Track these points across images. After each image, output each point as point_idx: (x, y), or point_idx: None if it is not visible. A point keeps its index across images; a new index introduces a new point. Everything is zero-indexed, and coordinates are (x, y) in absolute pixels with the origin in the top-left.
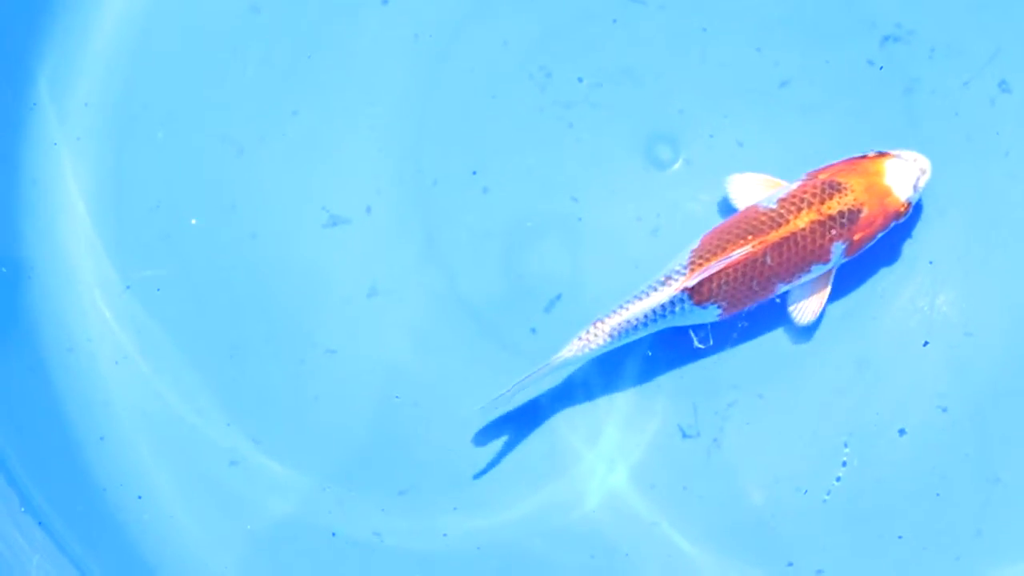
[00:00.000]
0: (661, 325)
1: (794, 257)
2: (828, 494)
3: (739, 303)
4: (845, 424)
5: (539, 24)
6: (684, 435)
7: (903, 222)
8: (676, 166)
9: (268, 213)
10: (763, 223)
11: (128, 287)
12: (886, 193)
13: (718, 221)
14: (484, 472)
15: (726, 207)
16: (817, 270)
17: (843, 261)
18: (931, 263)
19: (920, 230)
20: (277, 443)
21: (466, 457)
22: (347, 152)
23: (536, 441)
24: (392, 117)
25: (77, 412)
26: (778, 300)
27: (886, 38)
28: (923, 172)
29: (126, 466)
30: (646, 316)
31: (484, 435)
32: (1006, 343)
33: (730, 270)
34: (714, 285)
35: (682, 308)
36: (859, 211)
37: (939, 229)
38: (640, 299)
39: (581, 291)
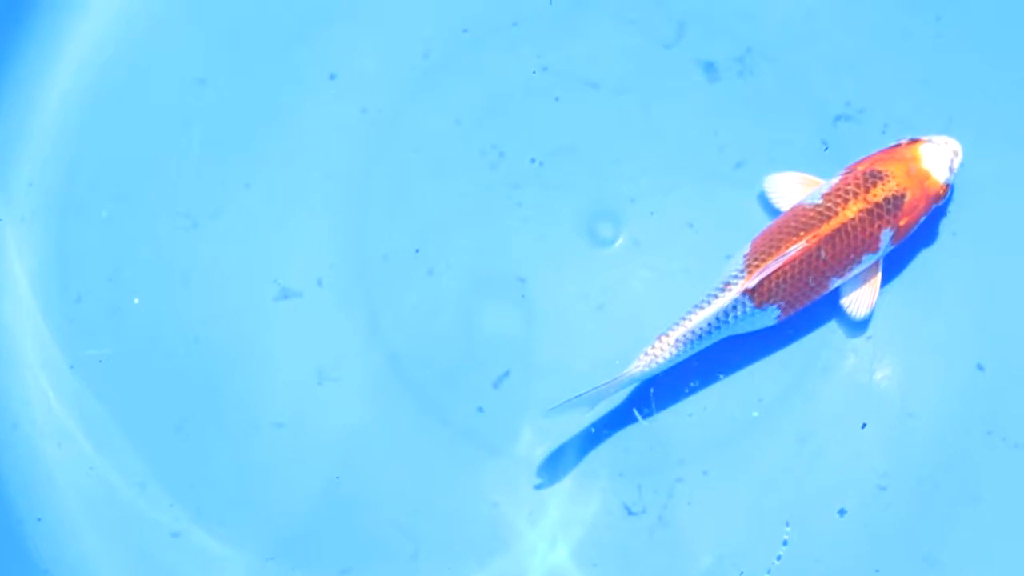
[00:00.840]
0: (724, 333)
1: (846, 248)
2: (768, 572)
3: (796, 302)
4: (786, 502)
5: (487, 100)
6: (629, 512)
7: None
8: (619, 243)
9: (220, 286)
10: (812, 218)
11: (72, 367)
12: (925, 176)
13: (663, 296)
14: (426, 550)
15: (767, 207)
16: (867, 260)
17: (891, 249)
18: (870, 338)
19: None
20: (221, 519)
21: (408, 535)
22: (299, 225)
23: (479, 518)
24: (341, 191)
25: (17, 492)
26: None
27: (838, 117)
28: (956, 154)
29: (66, 546)
30: (709, 324)
31: (427, 512)
32: (944, 420)
33: (787, 268)
34: (772, 285)
35: (743, 312)
36: (903, 196)
37: (878, 304)
38: (702, 308)
39: (529, 367)
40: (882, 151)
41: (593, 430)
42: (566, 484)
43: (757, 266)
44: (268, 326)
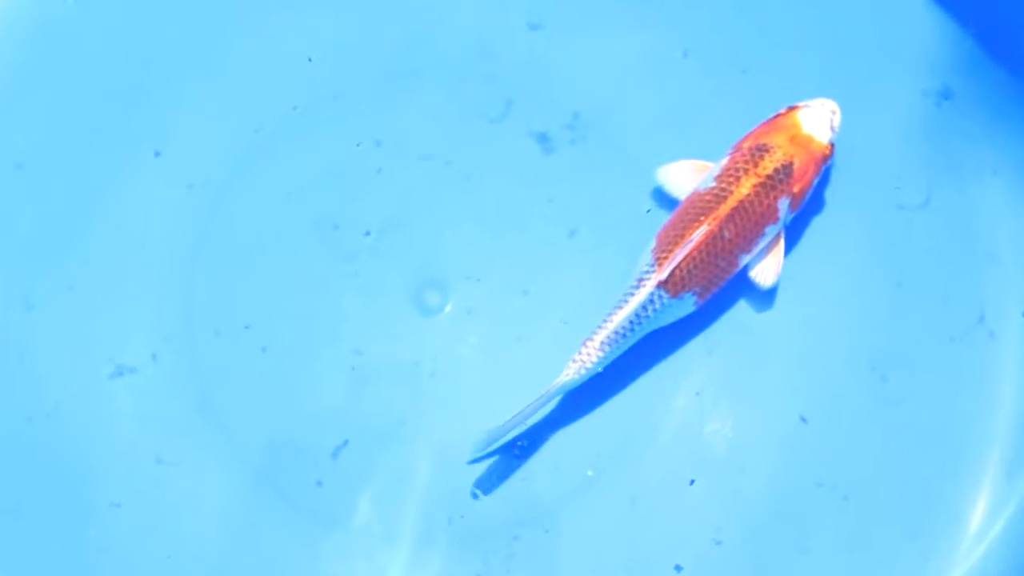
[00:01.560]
0: (648, 327)
1: (748, 224)
2: None
3: (711, 285)
4: (625, 559)
5: (320, 174)
6: None
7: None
8: (448, 310)
9: (56, 366)
10: (710, 201)
11: None
12: (809, 140)
13: (489, 363)
14: None
15: (662, 197)
16: (770, 231)
17: (791, 217)
18: (698, 394)
19: (687, 361)
20: None
21: None
22: (132, 301)
23: None
24: (172, 267)
25: None
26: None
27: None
28: (834, 113)
29: None
30: (631, 322)
31: None
32: (774, 473)
33: (695, 254)
34: (684, 273)
35: (661, 304)
36: (791, 164)
37: (706, 362)
38: (620, 307)
39: (367, 437)
40: (763, 124)
41: (431, 496)
42: (404, 553)
43: (666, 257)
44: (105, 404)
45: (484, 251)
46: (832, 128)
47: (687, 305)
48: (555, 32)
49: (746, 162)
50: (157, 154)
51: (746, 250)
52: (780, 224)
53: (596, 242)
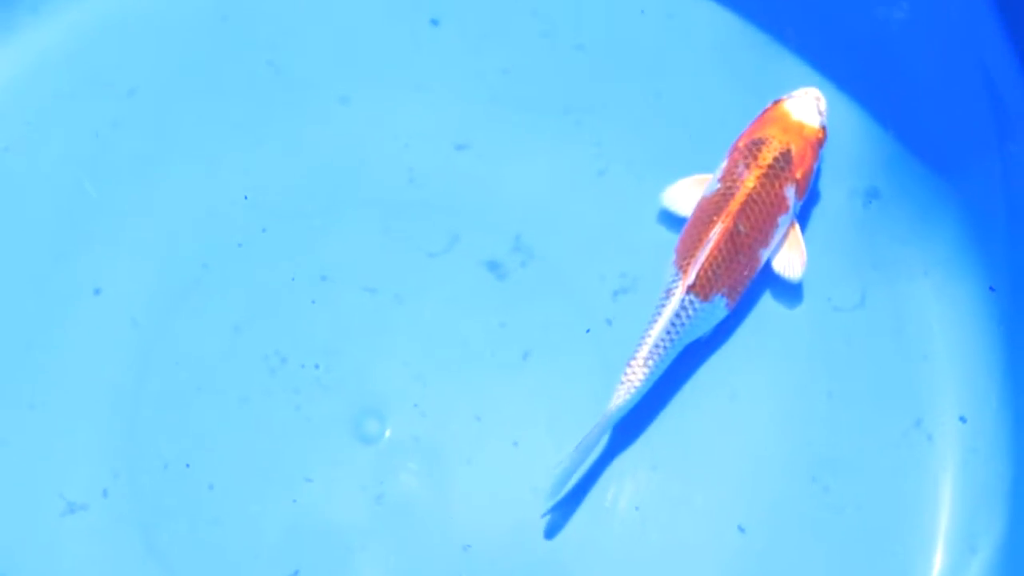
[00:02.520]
0: (687, 337)
1: (761, 215)
2: None
3: (737, 285)
4: None
5: (266, 308)
6: None
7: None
8: (388, 435)
9: (7, 506)
10: (719, 202)
11: None
12: (801, 127)
13: (438, 486)
14: None
15: (673, 220)
16: (783, 222)
17: (800, 204)
18: (637, 508)
19: (627, 473)
20: None
21: None
22: (80, 438)
23: None
24: (120, 404)
25: None
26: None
27: (616, 292)
28: (818, 99)
29: None
30: (668, 334)
31: None
32: None
33: (716, 252)
34: (709, 273)
35: (694, 310)
36: (789, 151)
37: (649, 475)
38: (655, 321)
39: (318, 568)
40: (753, 122)
41: None
42: None
43: (689, 263)
44: (56, 542)
45: (435, 379)
46: (820, 112)
47: (719, 309)
48: (482, 151)
49: (745, 158)
50: (97, 292)
51: (764, 243)
52: (791, 213)
53: (550, 362)
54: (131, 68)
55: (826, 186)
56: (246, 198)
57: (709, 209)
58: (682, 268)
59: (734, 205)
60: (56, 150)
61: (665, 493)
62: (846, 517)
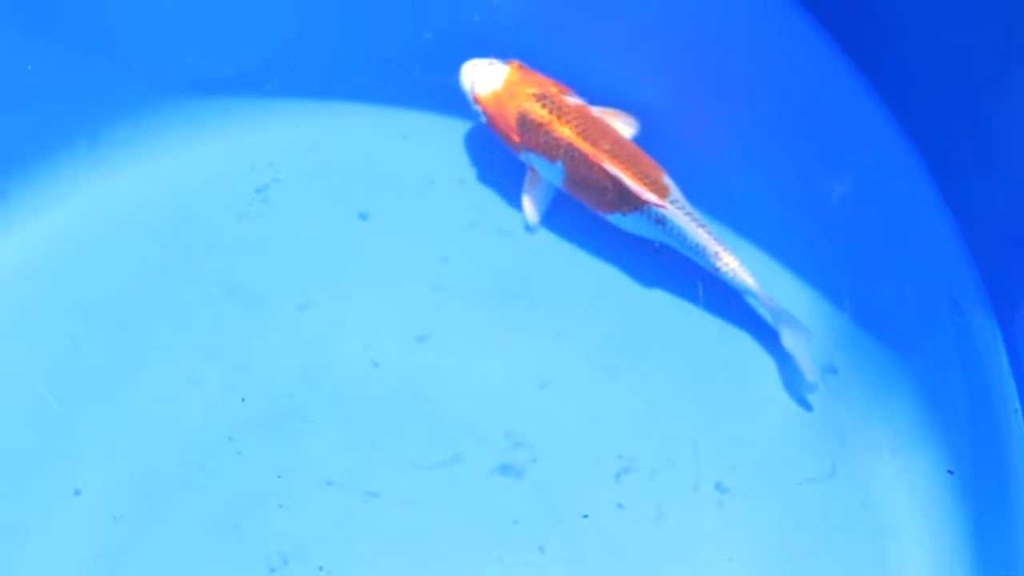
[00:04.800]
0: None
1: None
2: None
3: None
4: None
5: (269, 505)
6: None
7: None
8: None
9: None
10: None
11: None
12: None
13: None
14: None
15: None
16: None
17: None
18: None
19: None
20: None
21: None
22: None
23: None
24: None
25: None
26: None
27: (619, 473)
28: (472, 67)
29: None
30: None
31: None
32: None
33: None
34: (642, 178)
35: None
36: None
37: None
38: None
39: None
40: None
41: None
42: None
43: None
44: None
45: None
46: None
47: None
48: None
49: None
50: (77, 492)
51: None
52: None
53: (570, 550)
54: (84, 295)
55: (780, 361)
56: (243, 400)
57: (583, 163)
58: (645, 200)
59: (579, 144)
60: (14, 373)
61: None
62: None
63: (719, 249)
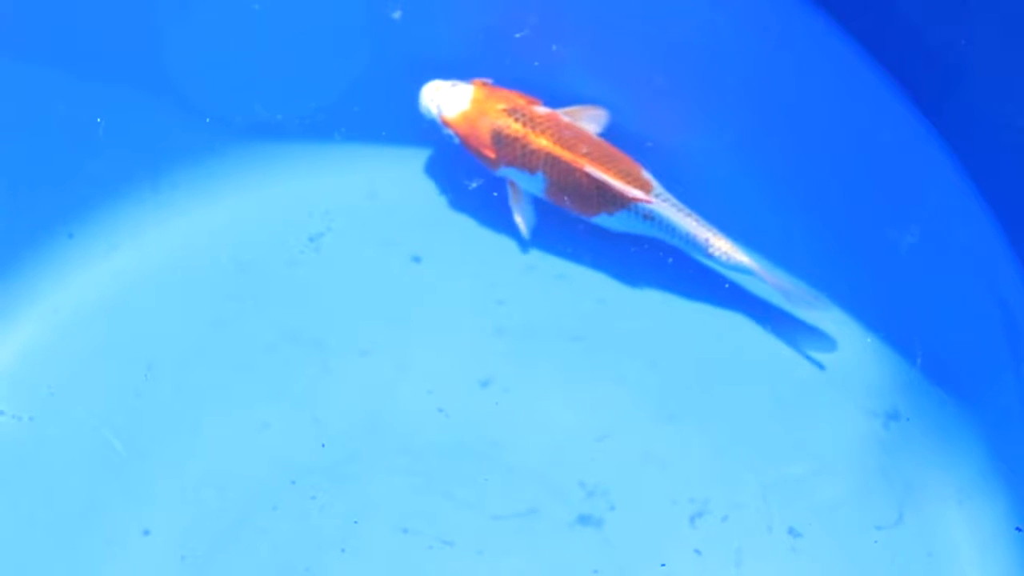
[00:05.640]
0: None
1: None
2: None
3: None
4: None
5: (317, 543)
6: None
7: None
8: None
9: None
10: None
11: None
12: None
13: None
14: None
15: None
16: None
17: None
18: None
19: None
20: None
21: None
22: None
23: None
24: None
25: None
26: None
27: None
28: (435, 90)
29: None
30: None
31: None
32: None
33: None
34: (624, 177)
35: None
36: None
37: None
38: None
39: None
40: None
41: None
42: None
43: (625, 190)
44: None
45: None
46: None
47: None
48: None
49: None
50: (146, 533)
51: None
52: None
53: None
54: (147, 340)
55: (844, 407)
56: (323, 446)
57: (565, 170)
58: (633, 197)
59: (559, 152)
60: (79, 417)
61: None
62: None
63: (709, 235)
